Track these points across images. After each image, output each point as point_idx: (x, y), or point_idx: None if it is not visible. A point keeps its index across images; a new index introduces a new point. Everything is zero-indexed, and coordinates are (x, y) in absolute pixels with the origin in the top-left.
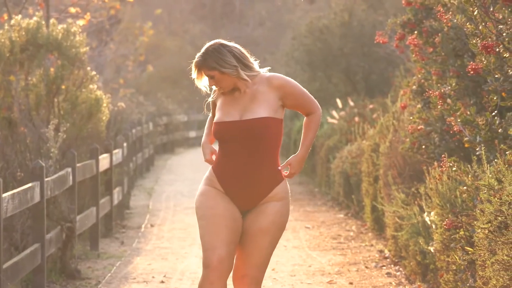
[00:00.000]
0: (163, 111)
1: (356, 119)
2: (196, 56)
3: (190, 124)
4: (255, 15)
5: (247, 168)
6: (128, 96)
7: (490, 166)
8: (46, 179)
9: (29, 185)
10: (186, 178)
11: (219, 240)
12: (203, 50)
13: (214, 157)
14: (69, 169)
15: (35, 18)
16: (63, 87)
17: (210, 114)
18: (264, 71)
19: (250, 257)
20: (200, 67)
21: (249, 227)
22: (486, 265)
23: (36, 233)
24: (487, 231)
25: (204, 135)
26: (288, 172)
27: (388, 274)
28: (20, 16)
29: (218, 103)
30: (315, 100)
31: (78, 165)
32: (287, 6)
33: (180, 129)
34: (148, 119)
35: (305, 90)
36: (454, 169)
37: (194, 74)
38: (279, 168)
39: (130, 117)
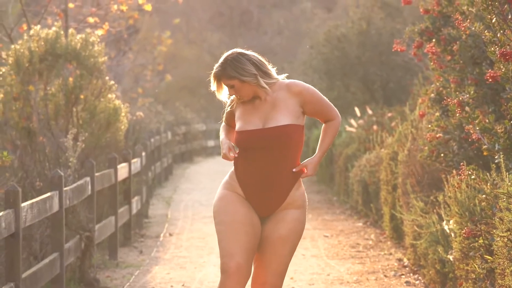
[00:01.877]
0: (181, 120)
1: (375, 127)
2: (215, 67)
3: (208, 133)
4: (273, 24)
5: (269, 174)
6: (146, 106)
7: (509, 174)
8: (64, 189)
9: (48, 194)
10: (204, 187)
11: (238, 246)
12: (221, 60)
13: (231, 154)
14: (88, 179)
15: (54, 28)
16: (81, 96)
17: (223, 123)
18: (282, 78)
19: (270, 265)
20: (220, 77)
21: (268, 234)
22: (506, 274)
23: (55, 242)
24: (506, 239)
25: (222, 135)
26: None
27: (407, 283)
28: (39, 26)
29: (238, 112)
30: (334, 107)
31: (96, 174)
32: (305, 15)
33: (199, 138)
34: (167, 128)
35: (324, 97)
36: (472, 177)
37: (213, 85)
38: (294, 170)
39: (148, 126)
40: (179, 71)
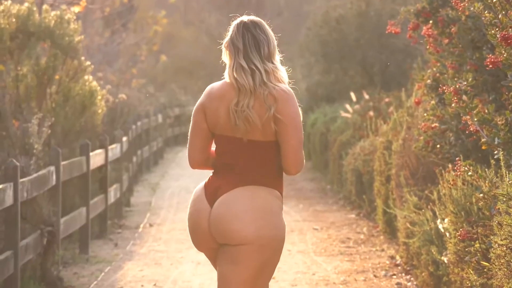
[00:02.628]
0: (176, 102)
1: (371, 113)
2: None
3: None
4: (273, 5)
5: None
6: (137, 87)
7: (509, 173)
8: (21, 180)
9: None
10: (193, 173)
11: None
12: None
13: None
14: (52, 168)
15: (26, 4)
16: (56, 77)
17: None
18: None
19: None
20: None
21: None
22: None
23: (9, 240)
24: (505, 248)
25: None
26: None
27: (398, 284)
28: (10, 1)
29: None
30: None
31: (63, 163)
32: None
33: None
34: (157, 111)
35: None
36: (469, 173)
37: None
38: None
39: (138, 109)
40: (176, 52)
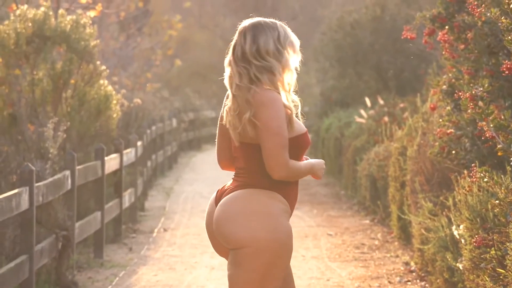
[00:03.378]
0: (190, 106)
1: (385, 118)
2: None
3: (217, 120)
4: (288, 9)
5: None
6: (152, 92)
7: None
8: (36, 184)
9: (15, 191)
10: (208, 177)
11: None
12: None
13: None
14: (67, 172)
15: (42, 9)
16: (72, 82)
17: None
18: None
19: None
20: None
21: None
22: None
23: (24, 244)
24: None
25: (300, 164)
26: None
27: None
28: (26, 6)
29: (289, 114)
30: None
31: (78, 167)
32: (321, 1)
33: (208, 125)
34: (172, 115)
35: None
36: (485, 179)
37: (299, 58)
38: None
39: (152, 113)
40: (190, 56)
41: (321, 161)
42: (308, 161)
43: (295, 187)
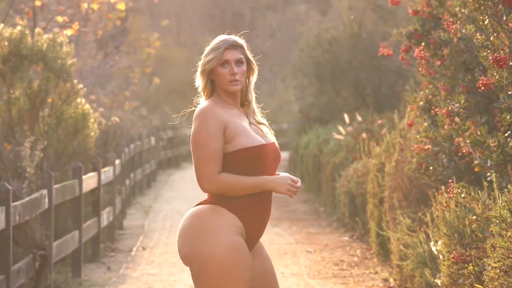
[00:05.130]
0: (169, 124)
1: (364, 135)
2: (223, 37)
3: None
4: (265, 27)
5: (270, 197)
6: (130, 110)
7: (502, 195)
8: (13, 204)
9: None
10: (186, 195)
11: None
12: (230, 36)
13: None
14: (44, 191)
15: (18, 27)
16: (49, 100)
17: (215, 167)
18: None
19: None
20: (234, 44)
21: (263, 266)
22: None
23: (1, 264)
24: (498, 270)
25: (242, 179)
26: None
27: None
28: (2, 25)
29: (233, 127)
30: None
31: (56, 186)
32: (299, 18)
33: (186, 143)
34: (150, 133)
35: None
36: (462, 195)
37: (216, 55)
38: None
39: (130, 131)
40: (168, 74)
41: (284, 177)
42: (260, 177)
43: (251, 200)
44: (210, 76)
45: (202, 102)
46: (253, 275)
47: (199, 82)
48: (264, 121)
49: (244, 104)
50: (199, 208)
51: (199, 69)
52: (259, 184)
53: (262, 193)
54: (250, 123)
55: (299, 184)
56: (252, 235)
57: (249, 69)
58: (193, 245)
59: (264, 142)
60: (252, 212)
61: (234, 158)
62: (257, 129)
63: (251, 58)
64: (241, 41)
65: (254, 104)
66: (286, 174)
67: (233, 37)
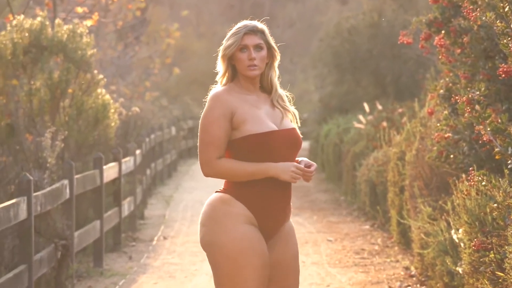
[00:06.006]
0: (189, 114)
1: (384, 124)
2: (244, 22)
3: None
4: (285, 17)
5: (284, 186)
6: (151, 100)
7: None
8: (34, 194)
9: (13, 201)
10: (207, 185)
11: None
12: (251, 21)
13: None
14: (65, 181)
15: (39, 19)
16: (69, 91)
17: (216, 154)
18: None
19: (291, 285)
20: (254, 30)
21: (282, 256)
22: None
23: (23, 253)
24: None
25: (242, 165)
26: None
27: None
28: (22, 16)
29: (241, 113)
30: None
31: (77, 176)
32: (319, 8)
33: None
34: (171, 124)
35: None
36: (483, 183)
37: (235, 39)
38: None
39: (151, 122)
40: (189, 65)
41: (288, 164)
42: (264, 163)
43: (259, 189)
44: (231, 62)
45: (217, 87)
46: (270, 263)
47: (220, 67)
48: (291, 108)
49: (268, 89)
50: (212, 196)
51: (219, 54)
52: (261, 171)
53: (271, 181)
54: (275, 107)
55: (313, 168)
56: (267, 224)
57: (270, 55)
58: (205, 233)
59: (276, 129)
60: (262, 200)
61: (241, 144)
62: (276, 115)
63: (273, 44)
64: (262, 26)
65: (280, 89)
66: (304, 159)
67: (254, 22)
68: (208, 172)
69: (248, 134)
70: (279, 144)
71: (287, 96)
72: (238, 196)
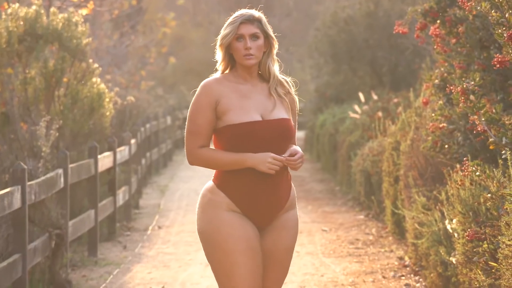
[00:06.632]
0: (185, 104)
1: (379, 114)
2: (241, 11)
3: None
4: (282, 6)
5: (271, 176)
6: (147, 90)
7: None
8: (29, 183)
9: (7, 190)
10: (203, 175)
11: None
12: (248, 10)
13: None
14: (60, 171)
15: (34, 7)
16: (64, 80)
17: (195, 144)
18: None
19: (274, 275)
20: (251, 19)
21: (271, 247)
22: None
23: (17, 243)
24: None
25: (222, 154)
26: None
27: (407, 285)
28: (17, 4)
29: (224, 102)
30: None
31: (71, 165)
32: None
33: None
34: (166, 113)
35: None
36: (477, 173)
37: (231, 29)
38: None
39: (146, 111)
40: (185, 54)
41: (265, 154)
42: (242, 153)
43: (238, 178)
44: (229, 51)
45: (214, 76)
46: (262, 251)
47: (218, 56)
48: (293, 94)
49: (267, 78)
50: (205, 185)
51: (217, 43)
52: (239, 161)
53: (253, 171)
54: (271, 96)
55: (296, 157)
56: (252, 214)
57: (268, 43)
58: (196, 221)
59: (259, 119)
60: (244, 190)
61: (223, 134)
62: (268, 105)
63: (270, 33)
64: (259, 15)
65: (281, 76)
66: (293, 147)
67: (251, 11)
68: (191, 160)
69: (229, 124)
70: (262, 134)
71: (289, 82)
72: (220, 185)
